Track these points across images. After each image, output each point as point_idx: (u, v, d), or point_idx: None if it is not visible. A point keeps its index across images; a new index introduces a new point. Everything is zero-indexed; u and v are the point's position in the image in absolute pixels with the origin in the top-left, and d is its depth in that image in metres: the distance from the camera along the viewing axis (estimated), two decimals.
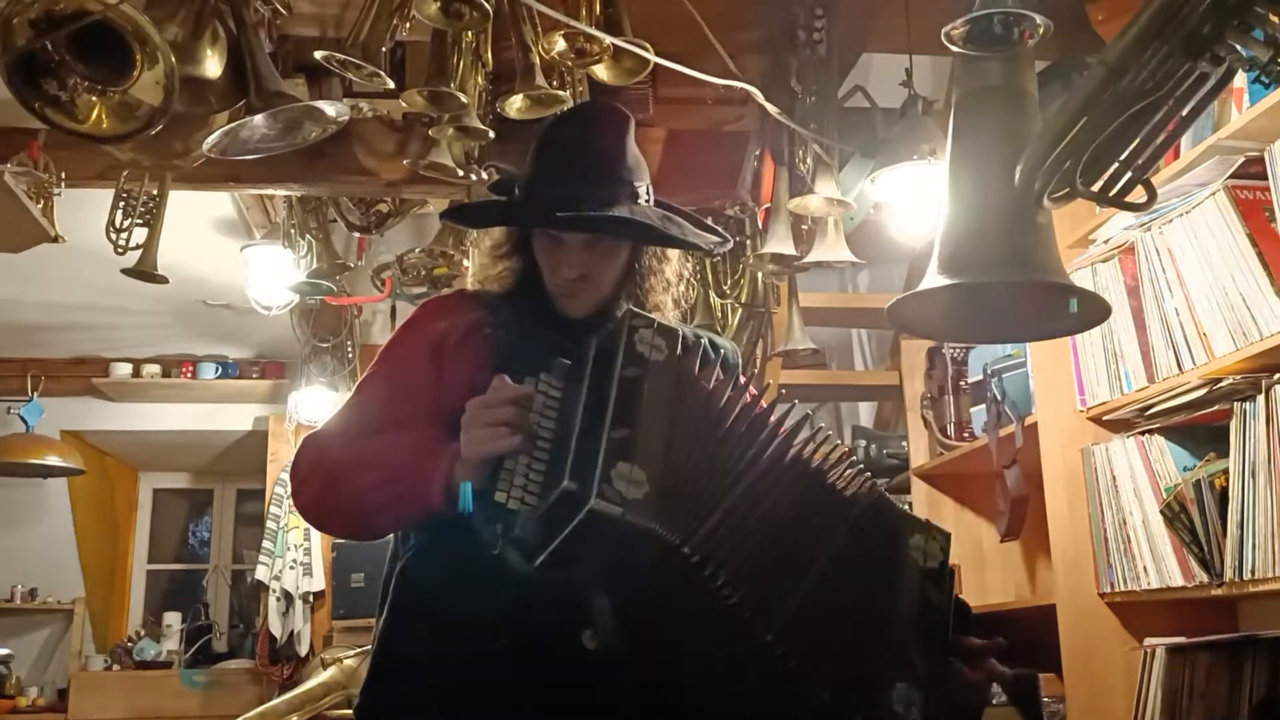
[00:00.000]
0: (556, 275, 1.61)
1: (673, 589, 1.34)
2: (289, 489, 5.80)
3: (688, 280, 1.72)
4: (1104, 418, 2.61)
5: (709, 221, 1.73)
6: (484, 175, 2.76)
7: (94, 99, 1.91)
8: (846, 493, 1.46)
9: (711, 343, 1.69)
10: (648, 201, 1.61)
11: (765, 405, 1.45)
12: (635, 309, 1.45)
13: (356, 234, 3.98)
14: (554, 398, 1.39)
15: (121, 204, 3.16)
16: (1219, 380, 2.21)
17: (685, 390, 1.38)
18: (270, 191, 3.71)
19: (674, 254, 1.68)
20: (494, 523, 1.33)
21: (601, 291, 1.62)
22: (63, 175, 2.97)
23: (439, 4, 2.14)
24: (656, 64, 2.34)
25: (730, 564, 1.32)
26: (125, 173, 3.08)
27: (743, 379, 1.46)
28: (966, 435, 3.31)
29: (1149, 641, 2.41)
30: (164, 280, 3.26)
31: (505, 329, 1.59)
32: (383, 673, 1.55)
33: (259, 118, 2.18)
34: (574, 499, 1.26)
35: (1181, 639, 2.34)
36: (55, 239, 3.09)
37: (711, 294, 3.35)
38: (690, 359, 1.42)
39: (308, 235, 3.81)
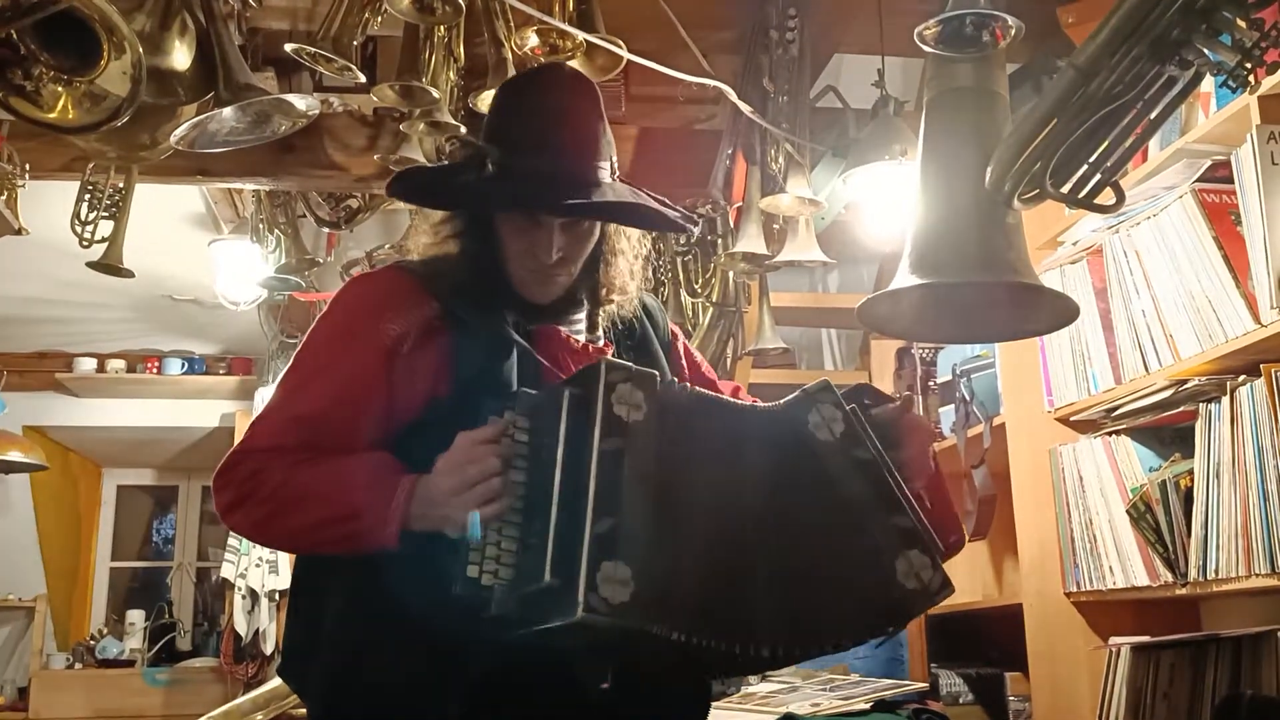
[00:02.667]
0: (531, 259, 1.49)
1: (659, 655, 1.32)
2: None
3: (646, 259, 1.64)
4: (1071, 418, 2.63)
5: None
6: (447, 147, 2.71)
7: (60, 89, 1.88)
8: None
9: (644, 304, 1.65)
10: (614, 176, 1.54)
11: (742, 408, 1.41)
12: (611, 359, 1.35)
13: (326, 229, 3.95)
14: (522, 442, 1.32)
15: (87, 197, 3.12)
16: (1185, 381, 2.23)
17: (665, 456, 1.30)
18: (239, 186, 3.68)
19: (633, 234, 1.60)
20: (460, 587, 1.27)
21: (573, 275, 1.54)
22: (27, 167, 2.93)
23: None
24: (629, 61, 2.34)
25: (711, 628, 1.27)
26: (91, 165, 3.04)
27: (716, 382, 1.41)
28: (935, 434, 3.33)
29: (1114, 641, 2.42)
30: (130, 274, 3.23)
31: (461, 328, 1.47)
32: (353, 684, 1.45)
33: (228, 110, 2.16)
34: (557, 599, 1.21)
35: (1146, 638, 2.36)
36: (19, 232, 3.05)
37: (683, 293, 3.35)
38: (669, 415, 1.32)
39: (276, 230, 3.78)
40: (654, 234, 1.69)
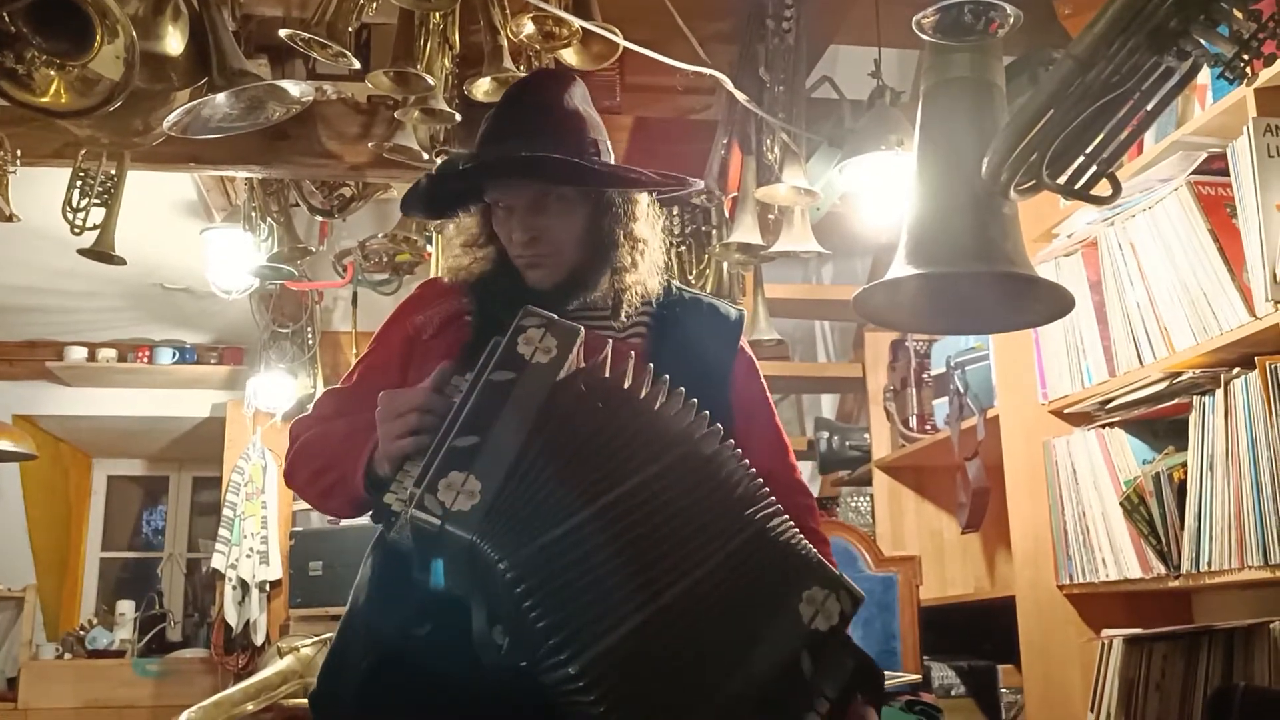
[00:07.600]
0: (511, 246, 1.56)
1: (501, 604, 1.27)
2: (245, 476, 5.69)
3: (667, 242, 1.66)
4: (1065, 411, 2.63)
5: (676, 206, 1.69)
6: (436, 160, 2.73)
7: (52, 73, 1.87)
8: (735, 524, 1.31)
9: (713, 307, 1.69)
10: (596, 155, 1.56)
11: (678, 414, 1.35)
12: (533, 307, 1.38)
13: (318, 218, 3.93)
14: (460, 390, 1.36)
15: (79, 183, 3.10)
16: (1179, 374, 2.23)
17: (561, 398, 1.31)
18: (231, 173, 3.65)
19: (642, 213, 1.61)
20: (373, 517, 1.36)
21: (563, 257, 1.56)
22: (18, 153, 2.91)
23: None
24: (625, 49, 2.33)
25: (547, 586, 1.23)
26: (83, 151, 3.02)
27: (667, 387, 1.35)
28: (929, 427, 3.33)
29: (1106, 633, 2.43)
30: (121, 262, 3.21)
31: (479, 319, 1.57)
32: (332, 653, 1.58)
33: (221, 96, 2.15)
34: (410, 504, 1.27)
35: (1138, 630, 2.36)
36: (10, 218, 3.04)
37: (676, 283, 3.35)
38: (586, 364, 1.34)
39: (269, 219, 3.76)
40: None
